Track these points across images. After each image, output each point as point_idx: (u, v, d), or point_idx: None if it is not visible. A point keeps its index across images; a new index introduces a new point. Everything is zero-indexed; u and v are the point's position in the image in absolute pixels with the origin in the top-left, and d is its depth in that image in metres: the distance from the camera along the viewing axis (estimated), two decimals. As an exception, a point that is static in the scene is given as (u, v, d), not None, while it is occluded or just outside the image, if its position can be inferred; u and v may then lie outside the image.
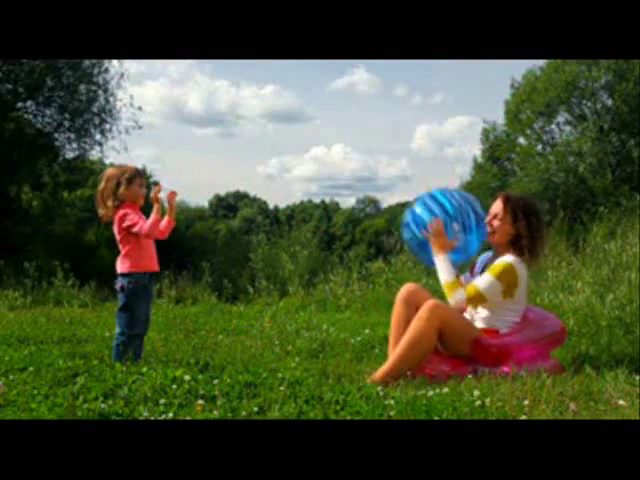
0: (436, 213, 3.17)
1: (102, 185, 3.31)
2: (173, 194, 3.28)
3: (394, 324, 3.15)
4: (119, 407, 2.28)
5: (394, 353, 2.97)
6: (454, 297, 3.03)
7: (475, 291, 3.02)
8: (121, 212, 3.21)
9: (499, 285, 3.01)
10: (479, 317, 3.13)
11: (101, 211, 3.31)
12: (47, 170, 15.32)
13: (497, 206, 3.18)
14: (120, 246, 3.27)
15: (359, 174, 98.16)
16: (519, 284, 3.05)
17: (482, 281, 3.04)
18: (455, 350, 3.03)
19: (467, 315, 3.18)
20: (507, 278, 3.01)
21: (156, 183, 24.74)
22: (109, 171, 3.35)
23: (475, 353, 2.99)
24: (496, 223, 3.15)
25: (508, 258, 3.05)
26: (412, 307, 3.10)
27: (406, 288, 3.20)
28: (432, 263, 3.18)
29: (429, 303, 2.97)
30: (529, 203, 3.19)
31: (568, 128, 17.59)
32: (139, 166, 3.46)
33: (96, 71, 14.72)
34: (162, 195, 3.25)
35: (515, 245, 3.11)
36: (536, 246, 3.11)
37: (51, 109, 15.02)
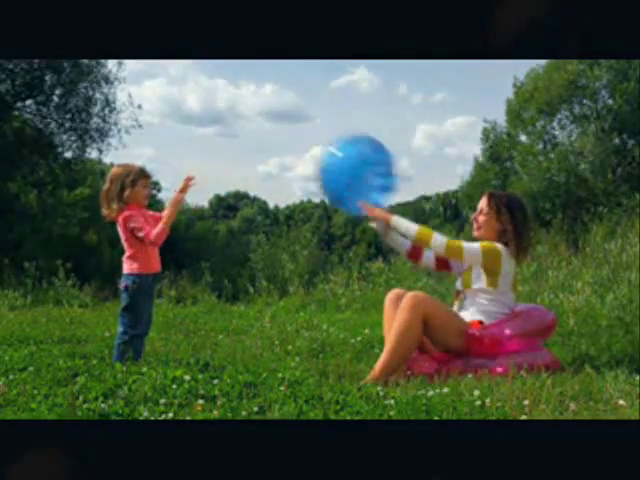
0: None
1: (107, 186, 3.27)
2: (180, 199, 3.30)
3: (386, 327, 3.18)
4: (119, 407, 2.28)
5: (385, 349, 3.00)
6: (434, 239, 3.07)
7: (458, 244, 3.09)
8: (126, 213, 3.20)
9: (480, 256, 3.06)
10: (465, 309, 3.16)
11: (105, 211, 3.29)
12: (46, 169, 15.33)
13: (482, 202, 3.27)
14: (125, 246, 3.26)
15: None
16: (501, 272, 3.07)
17: (468, 243, 3.12)
18: (443, 342, 3.04)
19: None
20: (489, 258, 3.06)
21: (156, 183, 24.77)
22: (113, 171, 3.32)
23: (466, 345, 3.00)
24: (481, 218, 3.24)
25: (498, 244, 3.12)
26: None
27: (393, 292, 3.24)
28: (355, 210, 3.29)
29: (410, 294, 3.01)
30: (513, 198, 3.28)
31: (569, 127, 17.58)
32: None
33: (94, 67, 14.72)
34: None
35: (501, 240, 3.16)
36: (521, 239, 3.15)
37: (51, 109, 15.03)
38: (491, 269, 3.08)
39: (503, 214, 3.16)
